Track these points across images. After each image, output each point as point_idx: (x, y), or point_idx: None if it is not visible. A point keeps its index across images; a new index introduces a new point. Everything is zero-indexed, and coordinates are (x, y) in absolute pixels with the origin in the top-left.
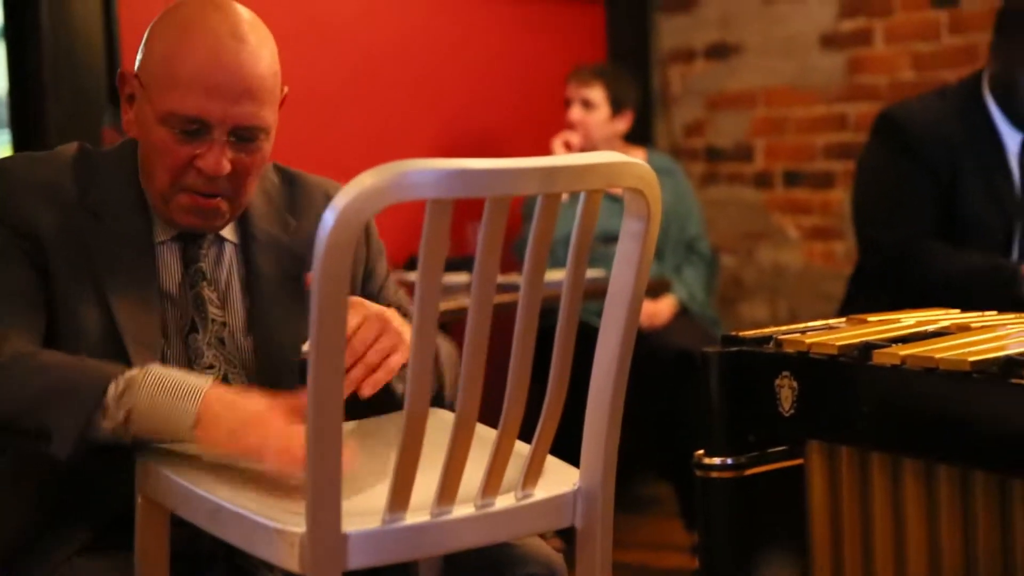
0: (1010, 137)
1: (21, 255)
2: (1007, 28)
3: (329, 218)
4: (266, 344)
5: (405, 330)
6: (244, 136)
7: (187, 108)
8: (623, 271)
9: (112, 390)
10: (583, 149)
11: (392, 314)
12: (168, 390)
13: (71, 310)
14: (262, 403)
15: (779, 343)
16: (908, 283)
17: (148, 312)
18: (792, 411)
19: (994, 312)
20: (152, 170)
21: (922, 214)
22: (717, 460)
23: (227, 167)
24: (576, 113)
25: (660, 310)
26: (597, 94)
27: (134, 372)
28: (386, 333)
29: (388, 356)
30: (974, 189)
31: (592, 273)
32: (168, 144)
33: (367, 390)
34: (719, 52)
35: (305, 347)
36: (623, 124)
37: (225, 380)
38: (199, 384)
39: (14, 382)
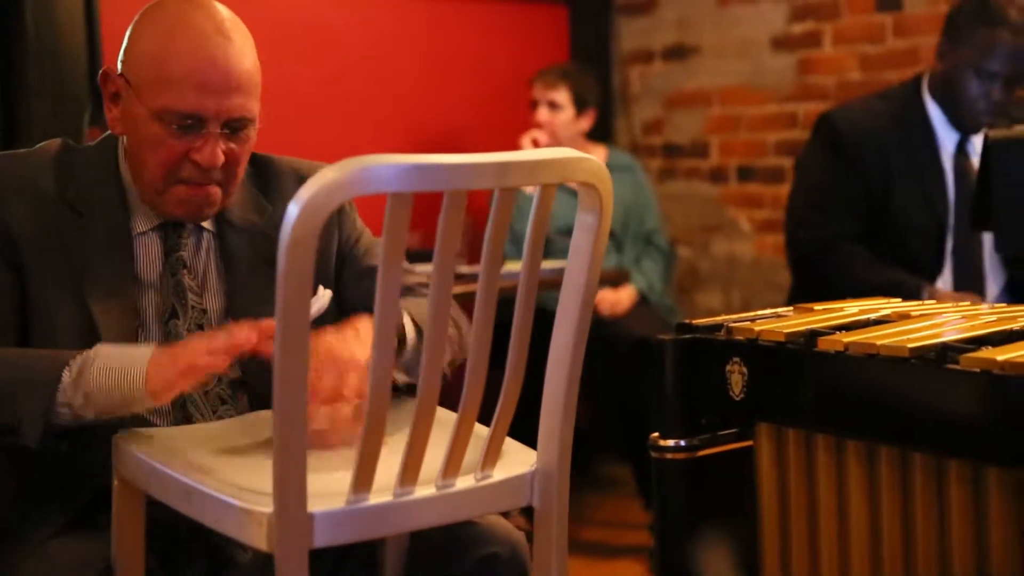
0: (947, 138)
1: None
2: (955, 31)
3: (293, 211)
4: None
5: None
6: (235, 127)
7: (182, 105)
8: (577, 262)
9: (66, 376)
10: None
11: (341, 338)
12: (116, 364)
13: (47, 305)
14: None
15: (730, 331)
16: (822, 283)
17: (123, 304)
18: (742, 395)
19: (933, 301)
20: (144, 165)
21: (846, 215)
22: (671, 442)
23: (221, 158)
24: (543, 114)
25: (620, 299)
26: (563, 96)
27: (85, 354)
28: (327, 371)
29: (339, 391)
30: (907, 191)
31: (556, 264)
32: (163, 139)
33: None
34: (676, 53)
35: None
36: (586, 123)
37: None
38: (143, 351)
39: None
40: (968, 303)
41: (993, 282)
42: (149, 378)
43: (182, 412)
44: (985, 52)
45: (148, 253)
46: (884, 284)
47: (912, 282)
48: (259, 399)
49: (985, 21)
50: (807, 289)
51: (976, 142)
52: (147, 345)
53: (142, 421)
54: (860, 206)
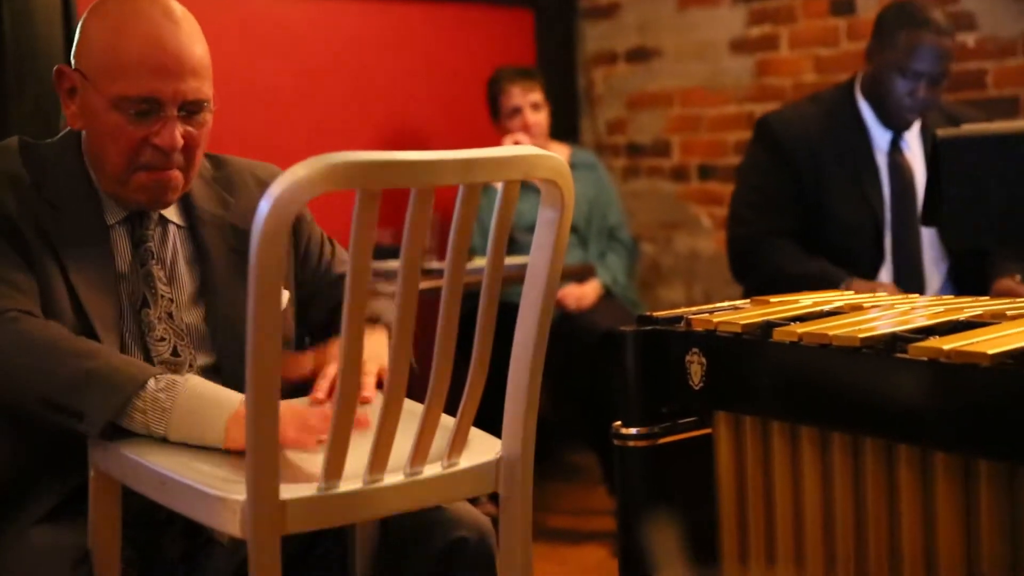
0: (881, 136)
1: (6, 241)
2: (881, 32)
3: (264, 207)
4: (217, 313)
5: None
6: (192, 110)
7: (138, 90)
8: (540, 256)
9: (152, 384)
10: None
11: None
12: (208, 394)
13: (45, 292)
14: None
15: (689, 322)
16: (750, 277)
17: (107, 292)
18: (701, 384)
19: (883, 293)
20: (105, 155)
21: (779, 213)
22: (633, 430)
23: (180, 140)
24: (531, 117)
25: (585, 293)
26: (540, 95)
27: (175, 377)
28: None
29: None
30: (843, 188)
31: (520, 260)
32: (122, 127)
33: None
34: (639, 56)
35: None
36: (549, 118)
37: (174, 352)
38: (232, 396)
39: (54, 360)
40: (886, 293)
41: (935, 275)
42: (232, 422)
43: None
44: (909, 52)
45: (119, 244)
46: (808, 275)
47: (835, 275)
48: (232, 385)
49: (909, 23)
50: (744, 283)
51: (909, 139)
52: (235, 393)
53: None
54: (794, 205)
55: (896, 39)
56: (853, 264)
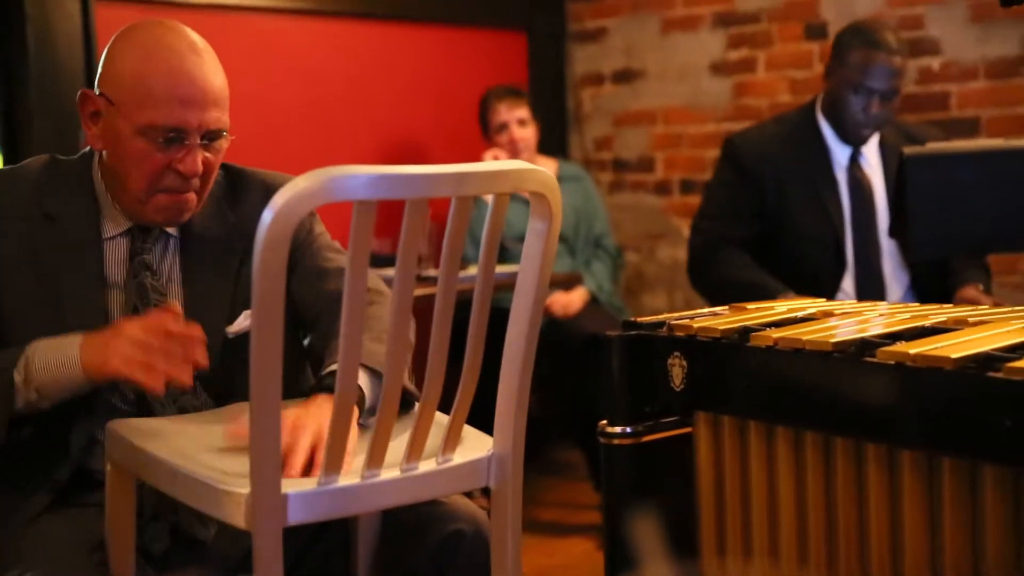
0: (840, 152)
1: None
2: (838, 52)
3: (267, 217)
4: (200, 326)
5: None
6: (212, 138)
7: (166, 120)
8: (529, 264)
9: (18, 378)
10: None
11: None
12: (53, 355)
13: (19, 317)
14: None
15: (671, 328)
16: (701, 283)
17: (93, 304)
18: (682, 386)
19: (853, 300)
20: (127, 177)
21: (735, 224)
22: (618, 429)
23: (201, 167)
24: (517, 132)
25: (572, 301)
26: (526, 112)
27: (24, 356)
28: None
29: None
30: (804, 203)
31: (511, 268)
32: (148, 152)
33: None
34: (624, 77)
35: (231, 328)
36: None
37: None
38: (74, 338)
39: None
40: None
41: (895, 285)
42: (83, 362)
43: (145, 401)
44: (862, 71)
45: (115, 256)
46: (749, 284)
47: (775, 286)
48: (212, 395)
49: (862, 43)
50: (696, 288)
51: (868, 155)
52: (76, 334)
53: (108, 410)
54: (753, 218)
55: (850, 58)
56: (816, 275)
